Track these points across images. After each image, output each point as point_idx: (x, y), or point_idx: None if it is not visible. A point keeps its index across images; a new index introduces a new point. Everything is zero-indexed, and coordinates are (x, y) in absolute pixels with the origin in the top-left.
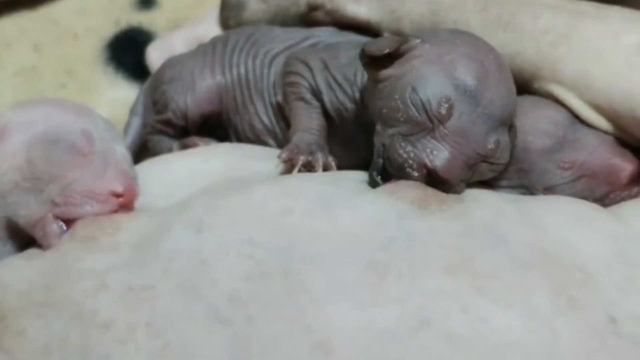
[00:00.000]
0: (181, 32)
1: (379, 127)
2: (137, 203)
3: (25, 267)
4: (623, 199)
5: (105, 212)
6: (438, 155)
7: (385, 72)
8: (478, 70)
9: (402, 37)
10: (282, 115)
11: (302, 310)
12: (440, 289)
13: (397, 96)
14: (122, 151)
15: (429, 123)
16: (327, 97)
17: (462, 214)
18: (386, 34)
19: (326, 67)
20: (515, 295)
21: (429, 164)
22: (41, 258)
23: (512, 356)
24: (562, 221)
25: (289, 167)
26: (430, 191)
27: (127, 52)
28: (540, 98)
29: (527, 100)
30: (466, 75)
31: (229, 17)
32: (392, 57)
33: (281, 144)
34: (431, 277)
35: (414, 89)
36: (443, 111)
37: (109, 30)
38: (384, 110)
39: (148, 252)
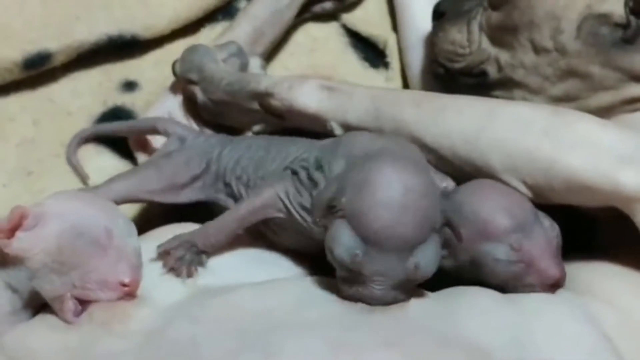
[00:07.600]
0: (152, 110)
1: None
2: (140, 288)
3: (50, 339)
4: None
5: (114, 298)
6: (370, 295)
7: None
8: (380, 219)
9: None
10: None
11: None
12: (381, 357)
13: (328, 254)
14: (133, 245)
15: (353, 273)
16: None
17: (393, 312)
18: (333, 123)
19: None
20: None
21: (369, 303)
22: (65, 334)
23: None
24: (473, 314)
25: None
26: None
27: None
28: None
29: (490, 184)
30: (368, 228)
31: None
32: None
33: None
34: (374, 350)
35: (330, 249)
36: (356, 265)
37: (97, 108)
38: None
39: (154, 341)
